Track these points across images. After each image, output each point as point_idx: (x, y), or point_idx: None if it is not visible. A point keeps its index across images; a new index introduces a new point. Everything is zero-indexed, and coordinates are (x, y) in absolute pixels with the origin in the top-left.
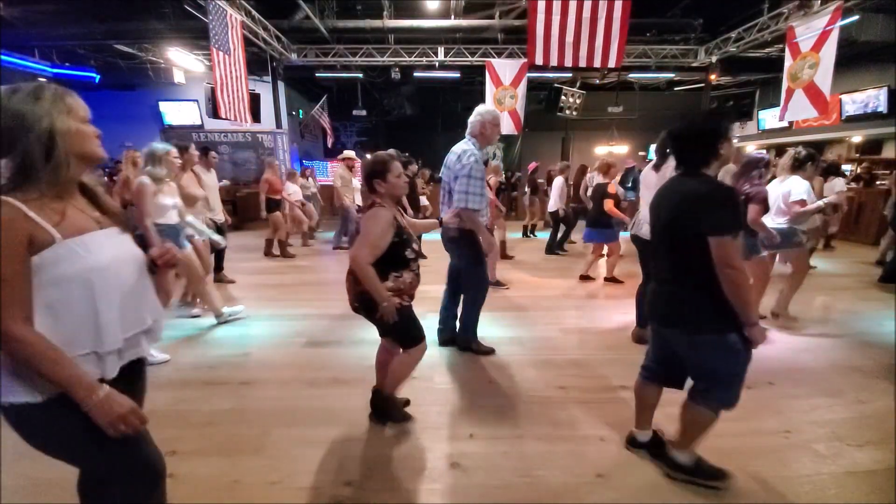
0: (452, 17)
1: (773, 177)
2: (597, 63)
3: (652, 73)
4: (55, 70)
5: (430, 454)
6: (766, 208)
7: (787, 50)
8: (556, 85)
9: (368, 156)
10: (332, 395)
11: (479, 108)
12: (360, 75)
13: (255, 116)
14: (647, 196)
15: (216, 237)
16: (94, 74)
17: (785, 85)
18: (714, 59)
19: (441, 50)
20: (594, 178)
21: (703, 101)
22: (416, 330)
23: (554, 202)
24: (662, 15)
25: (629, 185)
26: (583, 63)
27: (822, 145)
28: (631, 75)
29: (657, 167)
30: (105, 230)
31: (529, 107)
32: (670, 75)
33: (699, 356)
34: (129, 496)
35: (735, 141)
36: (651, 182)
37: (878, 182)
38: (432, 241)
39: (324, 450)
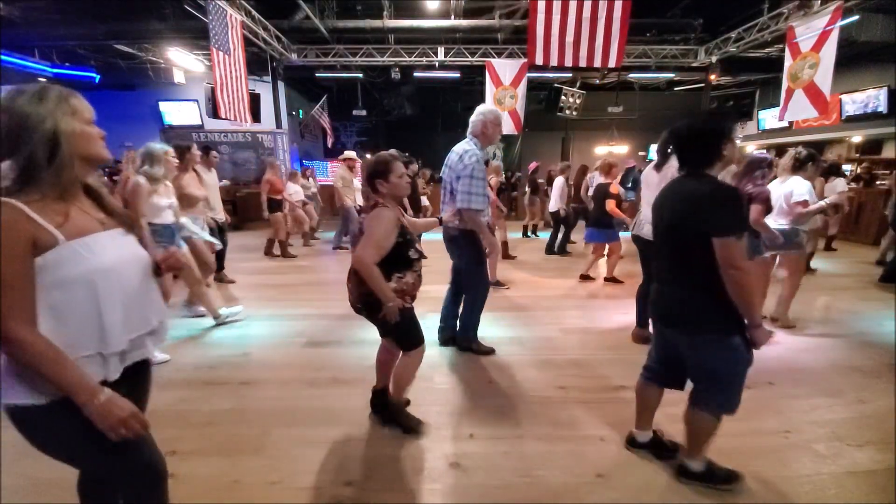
0: (452, 17)
1: (774, 177)
2: (597, 63)
3: (652, 73)
4: (55, 70)
5: (430, 454)
6: (768, 209)
7: (787, 50)
8: (556, 85)
9: (368, 156)
10: (332, 395)
11: (481, 108)
12: (360, 75)
13: (255, 116)
14: (648, 196)
15: (210, 239)
16: (94, 74)
17: (785, 85)
18: (714, 59)
19: (441, 50)
20: (594, 178)
21: (703, 101)
22: (417, 332)
23: (555, 202)
24: (662, 15)
25: (629, 185)
26: (583, 63)
27: (822, 145)
28: (631, 75)
29: (658, 167)
30: (109, 231)
31: (529, 107)
32: (670, 75)
33: (700, 357)
34: (131, 498)
35: (737, 141)
36: (652, 182)
37: (878, 182)
38: (432, 240)
39: (324, 450)
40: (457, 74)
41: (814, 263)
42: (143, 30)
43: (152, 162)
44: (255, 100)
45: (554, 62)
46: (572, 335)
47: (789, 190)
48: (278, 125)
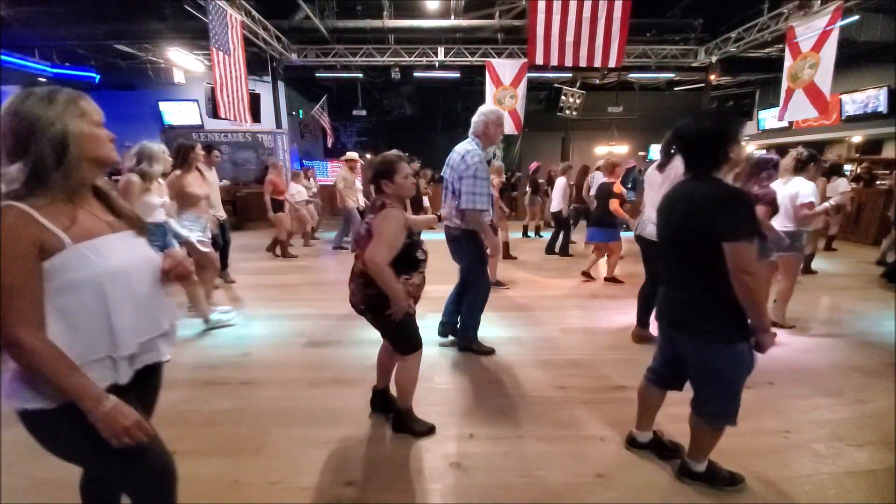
0: (452, 17)
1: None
2: (597, 63)
3: (652, 73)
4: (55, 70)
5: (430, 454)
6: (774, 210)
7: (787, 50)
8: (556, 85)
9: (369, 156)
10: (332, 395)
11: (483, 108)
12: (360, 75)
13: (255, 116)
14: (651, 196)
15: (198, 238)
16: (94, 74)
17: (785, 85)
18: (714, 59)
19: (441, 50)
20: (594, 178)
21: (703, 101)
22: (416, 337)
23: (557, 203)
24: (662, 15)
25: (629, 185)
26: (583, 63)
27: (822, 145)
28: (631, 75)
29: (662, 167)
30: (118, 234)
31: (529, 107)
32: (670, 75)
33: (703, 363)
34: (140, 501)
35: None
36: (655, 182)
37: (878, 182)
38: (433, 240)
39: (324, 450)
40: (457, 74)
41: (814, 264)
42: (143, 30)
43: (151, 160)
44: (255, 100)
45: (554, 62)
46: (573, 335)
47: (794, 191)
48: (278, 125)
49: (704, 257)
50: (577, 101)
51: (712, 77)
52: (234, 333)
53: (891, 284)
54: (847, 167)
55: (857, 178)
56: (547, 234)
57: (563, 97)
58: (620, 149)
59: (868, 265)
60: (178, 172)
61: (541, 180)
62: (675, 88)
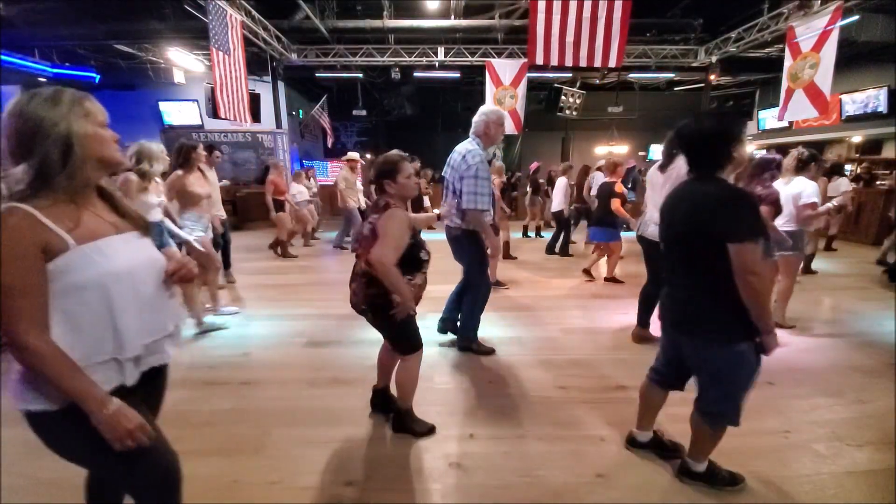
0: (452, 17)
1: None
2: (597, 63)
3: (652, 73)
4: (55, 70)
5: (431, 454)
6: (777, 210)
7: (787, 50)
8: (556, 85)
9: (368, 156)
10: (332, 395)
11: (484, 108)
12: (360, 75)
13: (255, 116)
14: (653, 197)
15: (190, 237)
16: (94, 74)
17: (784, 85)
18: (714, 59)
19: (441, 50)
20: (594, 178)
21: (703, 101)
22: (417, 337)
23: (558, 203)
24: (662, 15)
25: (629, 185)
26: (583, 63)
27: (822, 145)
28: (631, 75)
29: (663, 168)
30: (122, 235)
31: (529, 107)
32: (670, 75)
33: (705, 363)
34: (143, 501)
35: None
36: (657, 183)
37: (878, 182)
38: (433, 240)
39: (324, 450)
40: (457, 74)
41: (814, 264)
42: (143, 30)
43: (151, 159)
44: (255, 100)
45: (554, 62)
46: (573, 335)
47: (797, 191)
48: (278, 125)
49: (707, 258)
50: (577, 101)
51: (712, 77)
52: (234, 333)
53: (892, 283)
54: (847, 167)
55: (857, 178)
56: (546, 235)
57: (563, 97)
58: (620, 149)
59: (868, 265)
60: (179, 172)
61: (541, 180)
62: (675, 88)
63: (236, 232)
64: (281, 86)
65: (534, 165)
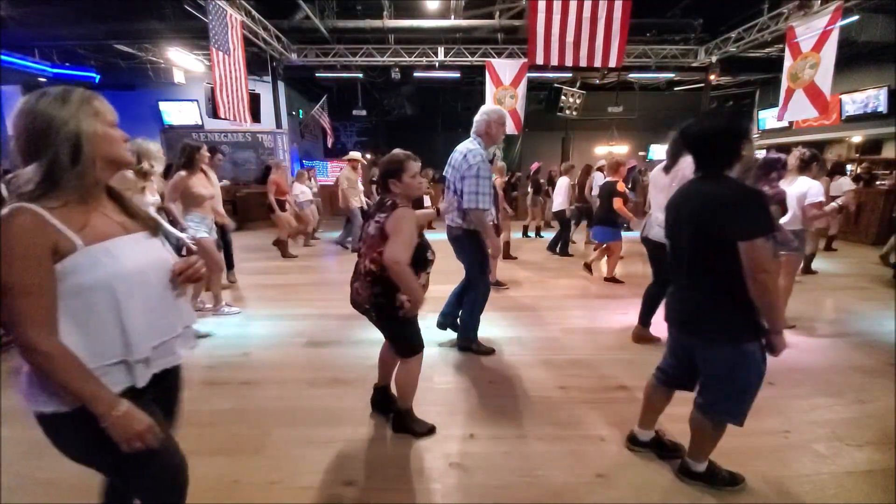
0: (452, 17)
1: None
2: (597, 63)
3: (652, 73)
4: (55, 70)
5: (431, 454)
6: (784, 210)
7: (787, 50)
8: (556, 85)
9: (368, 156)
10: (332, 395)
11: (485, 108)
12: (360, 75)
13: (255, 116)
14: (657, 198)
15: (184, 236)
16: (94, 74)
17: (784, 85)
18: (714, 59)
19: (441, 50)
20: (594, 178)
21: (703, 101)
22: (418, 340)
23: (560, 202)
24: (662, 15)
25: (628, 185)
26: (583, 63)
27: (822, 145)
28: (631, 75)
29: (668, 169)
30: (131, 235)
31: (529, 107)
32: (670, 75)
33: (712, 363)
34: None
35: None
36: (661, 183)
37: (878, 182)
38: (434, 240)
39: (324, 450)
40: (457, 74)
41: (814, 264)
42: (143, 30)
43: (150, 158)
44: (255, 100)
45: (554, 62)
46: (573, 335)
47: (801, 191)
48: (278, 125)
49: (715, 258)
50: (577, 101)
51: (712, 77)
52: (234, 333)
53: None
54: (847, 167)
55: (857, 178)
56: (546, 235)
57: (563, 97)
58: (620, 149)
59: (868, 265)
60: (183, 173)
61: (542, 180)
62: (675, 88)
63: (236, 232)
64: (281, 86)
65: (534, 166)
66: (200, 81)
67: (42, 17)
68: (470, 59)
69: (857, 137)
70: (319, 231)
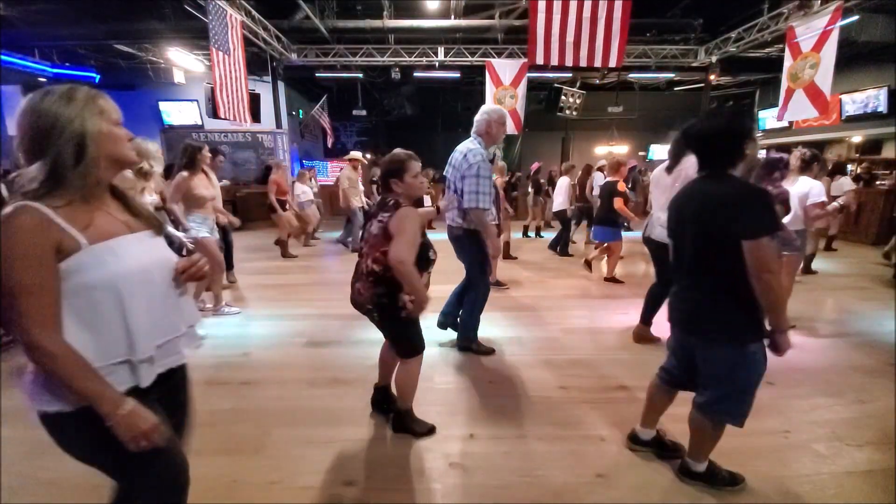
0: (452, 17)
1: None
2: (597, 63)
3: (652, 73)
4: (55, 70)
5: (431, 454)
6: (787, 210)
7: (786, 50)
8: (556, 85)
9: (368, 156)
10: (332, 395)
11: (486, 108)
12: (360, 75)
13: (255, 116)
14: (658, 198)
15: (182, 235)
16: (94, 74)
17: (784, 85)
18: (714, 59)
19: (441, 50)
20: (594, 178)
21: (703, 101)
22: (420, 340)
23: (560, 202)
24: (662, 15)
25: (628, 184)
26: (583, 63)
27: (822, 145)
28: (631, 75)
29: (670, 169)
30: (135, 234)
31: (529, 107)
32: (670, 75)
33: (714, 363)
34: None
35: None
36: (663, 183)
37: (878, 182)
38: (435, 240)
39: (324, 450)
40: (457, 74)
41: (814, 264)
42: (143, 30)
43: (150, 158)
44: (255, 100)
45: (554, 62)
46: (573, 335)
47: (803, 191)
48: (278, 125)
49: (716, 257)
50: (577, 101)
51: (712, 77)
52: (234, 333)
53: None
54: (847, 167)
55: (857, 178)
56: (547, 235)
57: (563, 97)
58: (620, 149)
59: (868, 265)
60: (185, 174)
61: (542, 180)
62: (675, 88)
63: (236, 232)
64: (281, 86)
65: (535, 166)
66: (200, 81)
67: (42, 17)
68: (470, 59)
69: (857, 137)
70: (319, 231)
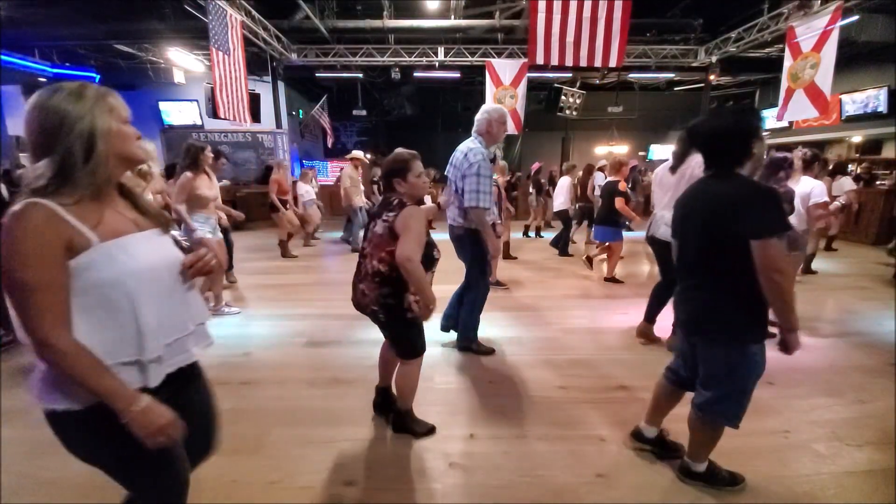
0: (452, 17)
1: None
2: (597, 63)
3: (652, 73)
4: (55, 70)
5: (431, 454)
6: (791, 209)
7: (786, 50)
8: (556, 85)
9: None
10: (332, 395)
11: (486, 107)
12: (360, 75)
13: (255, 116)
14: (661, 198)
15: (179, 235)
16: (94, 74)
17: (784, 85)
18: (714, 59)
19: (441, 50)
20: (595, 178)
21: (703, 101)
22: (421, 342)
23: (561, 202)
24: (662, 15)
25: (629, 184)
26: (583, 63)
27: (823, 145)
28: (631, 75)
29: (674, 169)
30: (144, 232)
31: (529, 107)
32: (670, 75)
33: (715, 363)
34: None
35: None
36: (667, 183)
37: (878, 182)
38: (436, 239)
39: (324, 450)
40: (457, 74)
41: (814, 264)
42: (143, 30)
43: (149, 159)
44: (254, 100)
45: (554, 62)
46: (573, 335)
47: (805, 191)
48: (278, 125)
49: (718, 257)
50: (577, 101)
51: (712, 77)
52: (234, 333)
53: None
54: (848, 167)
55: (858, 178)
56: (547, 235)
57: (563, 97)
58: (620, 149)
59: (868, 265)
60: (189, 175)
61: (542, 180)
62: (675, 88)
63: (236, 232)
64: (281, 86)
65: (535, 166)
66: (200, 81)
67: (42, 17)
68: (470, 59)
69: (857, 137)
70: (320, 231)
